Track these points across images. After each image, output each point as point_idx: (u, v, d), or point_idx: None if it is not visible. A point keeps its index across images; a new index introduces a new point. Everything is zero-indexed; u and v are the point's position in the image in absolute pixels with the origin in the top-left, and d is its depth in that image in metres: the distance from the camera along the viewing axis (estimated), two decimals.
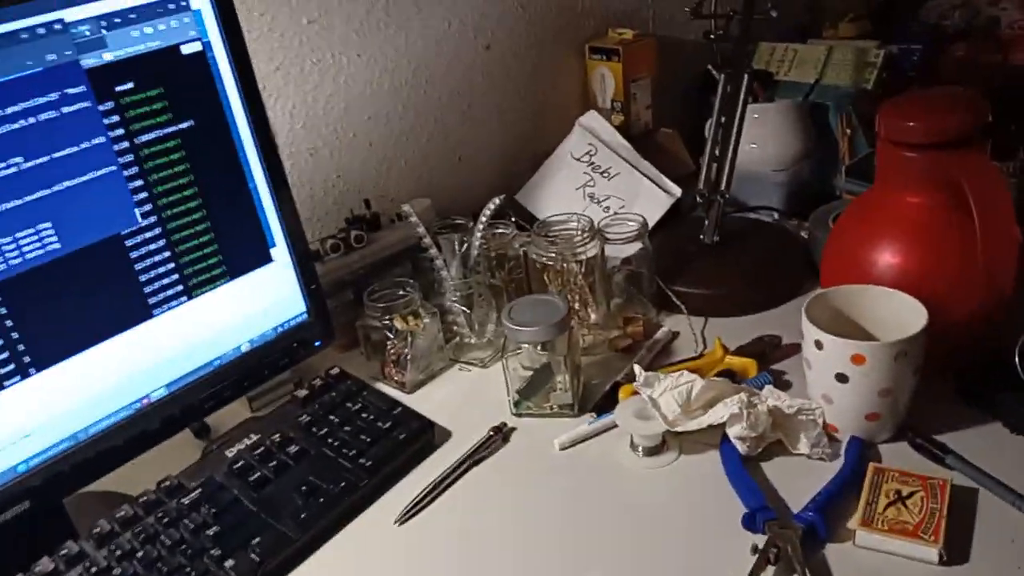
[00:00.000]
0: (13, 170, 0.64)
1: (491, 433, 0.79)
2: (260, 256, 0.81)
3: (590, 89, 1.22)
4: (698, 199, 0.99)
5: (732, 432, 0.70)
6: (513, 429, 0.81)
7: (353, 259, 0.97)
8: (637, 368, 0.75)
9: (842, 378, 0.69)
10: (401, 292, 0.91)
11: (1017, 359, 0.71)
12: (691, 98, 1.31)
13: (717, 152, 0.98)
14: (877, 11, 1.41)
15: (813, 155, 1.15)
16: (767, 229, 1.06)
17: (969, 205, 0.71)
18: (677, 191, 1.07)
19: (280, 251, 0.82)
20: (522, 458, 0.77)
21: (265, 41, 0.95)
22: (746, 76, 0.98)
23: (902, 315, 0.71)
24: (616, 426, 0.77)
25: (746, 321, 0.92)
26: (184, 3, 0.72)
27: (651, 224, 1.02)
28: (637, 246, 0.93)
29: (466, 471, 0.76)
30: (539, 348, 0.80)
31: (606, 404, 0.81)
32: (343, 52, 1.01)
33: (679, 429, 0.72)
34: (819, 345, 0.70)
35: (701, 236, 1.00)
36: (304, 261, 0.84)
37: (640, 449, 0.74)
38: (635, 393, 0.76)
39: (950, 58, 1.32)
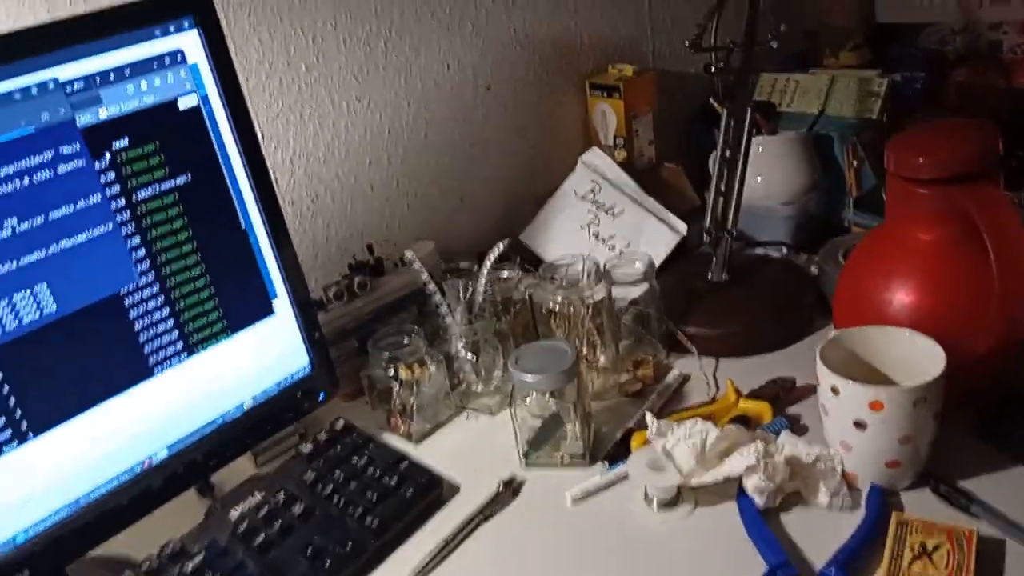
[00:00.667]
0: (7, 233, 0.63)
1: (500, 488, 0.77)
2: (261, 309, 0.79)
3: (592, 126, 1.21)
4: (705, 236, 0.98)
5: (749, 484, 0.68)
6: (523, 482, 0.79)
7: (357, 306, 0.95)
8: (649, 417, 0.74)
9: (860, 425, 0.67)
10: (406, 340, 0.89)
11: None
12: (694, 132, 1.30)
13: (723, 187, 0.97)
14: (876, 38, 1.41)
15: (820, 187, 1.13)
16: (776, 265, 1.05)
17: (983, 239, 0.69)
18: (683, 228, 1.06)
19: (282, 303, 0.81)
20: (533, 513, 0.75)
21: (264, 88, 0.94)
22: (749, 109, 0.97)
23: (920, 356, 0.69)
24: (628, 477, 0.75)
25: (758, 361, 0.90)
26: (180, 57, 0.71)
27: (658, 262, 1.01)
28: (644, 286, 0.91)
29: (476, 528, 0.74)
30: (548, 396, 0.78)
31: (618, 453, 0.79)
32: (343, 97, 1.01)
33: (695, 482, 0.69)
34: (835, 391, 0.68)
35: (709, 274, 0.98)
36: (306, 312, 0.83)
37: (655, 502, 0.72)
38: (648, 442, 0.74)
39: (953, 84, 1.31)
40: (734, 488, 0.71)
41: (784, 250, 1.08)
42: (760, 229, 1.11)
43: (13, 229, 0.63)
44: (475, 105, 1.12)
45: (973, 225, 0.69)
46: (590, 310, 0.88)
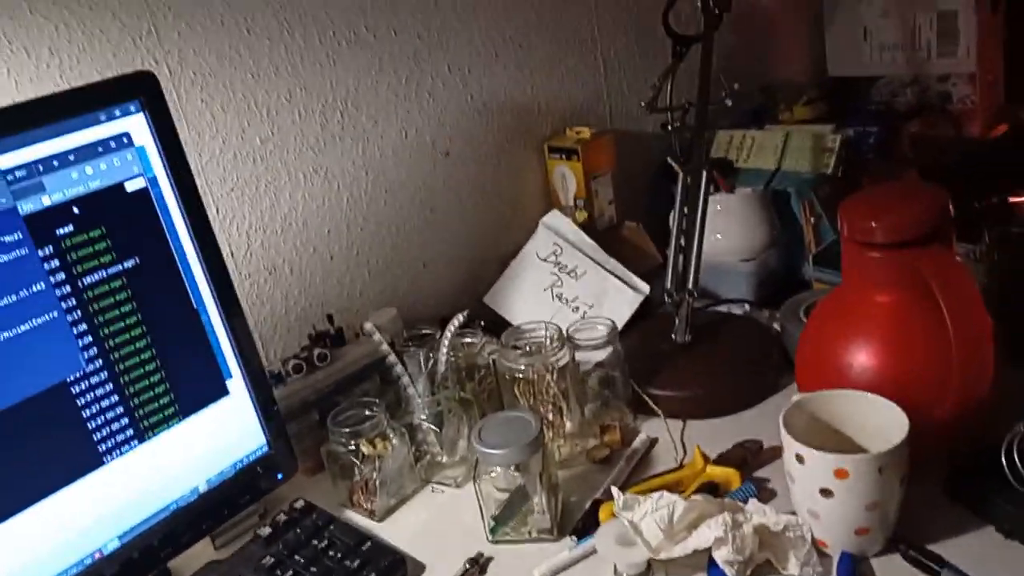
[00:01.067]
0: None
1: (467, 566, 0.75)
2: (215, 390, 0.78)
3: (552, 188, 1.22)
4: (666, 297, 0.98)
5: (719, 556, 0.67)
6: (490, 559, 0.77)
7: (317, 378, 0.94)
8: (615, 491, 0.72)
9: (827, 493, 0.66)
10: (367, 412, 0.87)
11: (1004, 460, 0.68)
12: (653, 190, 1.31)
13: (682, 247, 0.97)
14: (829, 91, 1.44)
15: (779, 243, 1.14)
16: (739, 323, 1.05)
17: (938, 299, 0.70)
18: (645, 288, 1.06)
19: (236, 383, 0.79)
20: None
21: (218, 163, 0.94)
22: (705, 169, 0.97)
23: (883, 421, 0.68)
24: (598, 552, 0.73)
25: (724, 423, 0.89)
26: (126, 140, 0.70)
27: (621, 324, 1.00)
28: (608, 349, 0.91)
29: None
30: (513, 469, 0.77)
31: (587, 524, 0.77)
32: (299, 168, 1.00)
33: (664, 556, 0.68)
34: (800, 459, 0.67)
35: (673, 335, 0.98)
36: (261, 391, 0.81)
37: None
38: (615, 515, 0.72)
39: (906, 136, 1.34)
40: (704, 560, 0.69)
41: (747, 307, 1.08)
42: (722, 285, 1.11)
43: None
44: (434, 171, 1.12)
45: (929, 287, 0.70)
46: (555, 375, 0.87)
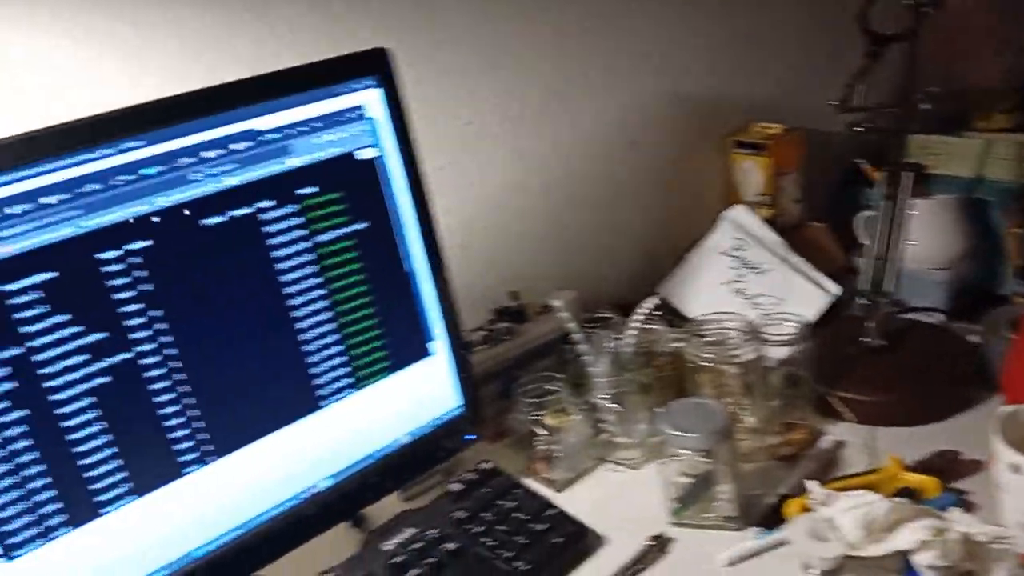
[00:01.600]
0: None
1: (650, 543, 0.77)
2: (421, 349, 0.82)
3: (734, 183, 1.21)
4: (858, 299, 0.96)
5: (921, 560, 0.65)
6: (671, 540, 0.78)
7: (501, 351, 0.98)
8: (812, 484, 0.72)
9: None
10: (550, 387, 0.90)
11: None
12: (838, 192, 1.28)
13: (880, 250, 0.95)
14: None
15: (976, 254, 1.09)
16: (933, 332, 1.01)
17: None
18: (835, 288, 1.04)
19: (439, 345, 0.84)
20: (684, 572, 0.74)
21: (425, 142, 0.98)
22: (908, 173, 0.95)
23: None
24: (786, 543, 0.73)
25: (916, 432, 0.87)
26: (361, 112, 0.75)
27: (812, 323, 0.99)
28: (796, 347, 0.90)
29: None
30: (700, 454, 0.78)
31: (772, 518, 0.77)
32: (497, 149, 1.04)
33: (861, 553, 0.67)
34: (1016, 469, 0.64)
35: (863, 338, 0.95)
36: (461, 355, 0.85)
37: (816, 571, 0.70)
38: (807, 509, 0.72)
39: None
40: (897, 563, 0.68)
41: (939, 316, 1.04)
42: (913, 293, 1.07)
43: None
44: (621, 160, 1.14)
45: None
46: (740, 368, 0.87)
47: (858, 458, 0.85)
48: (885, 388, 0.90)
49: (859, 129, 1.02)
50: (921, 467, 0.79)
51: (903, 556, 0.67)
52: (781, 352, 0.91)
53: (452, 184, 1.02)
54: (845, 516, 0.68)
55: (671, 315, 1.04)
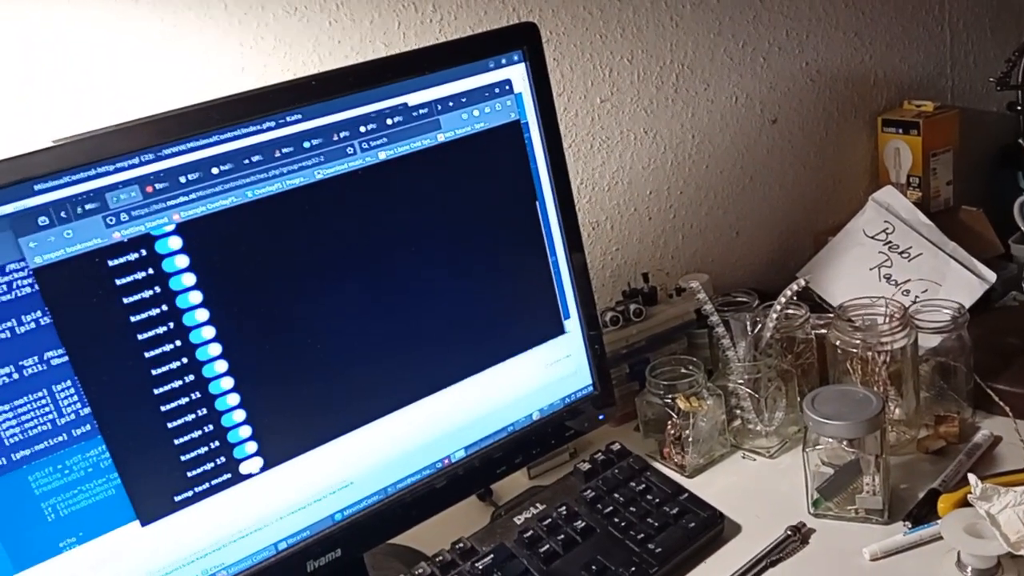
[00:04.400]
0: None
1: (789, 532, 0.74)
2: (556, 327, 0.82)
3: (882, 164, 1.15)
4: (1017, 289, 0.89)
5: None
6: (812, 530, 0.75)
7: (631, 332, 0.97)
8: (972, 478, 0.67)
9: None
10: (684, 370, 0.89)
11: None
12: (995, 174, 1.19)
13: None
14: None
15: None
16: None
17: None
18: (992, 276, 0.97)
19: (573, 323, 0.83)
20: (826, 564, 0.71)
21: (560, 120, 0.98)
22: None
23: None
24: (937, 540, 0.69)
25: None
26: (508, 87, 0.76)
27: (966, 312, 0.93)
28: (952, 336, 0.84)
29: (763, 572, 0.71)
30: (845, 444, 0.74)
31: (921, 513, 0.73)
32: (631, 129, 1.03)
33: (1022, 553, 0.63)
34: None
35: None
36: (594, 334, 0.85)
37: (969, 570, 0.66)
38: (962, 505, 0.68)
39: None
40: None
41: None
42: None
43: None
44: (759, 138, 1.10)
45: None
46: (888, 357, 0.83)
47: (1016, 455, 0.79)
48: None
49: (1020, 108, 0.95)
50: None
51: None
52: (933, 341, 0.86)
53: (584, 162, 1.01)
54: (1006, 512, 0.63)
55: (812, 301, 1.00)
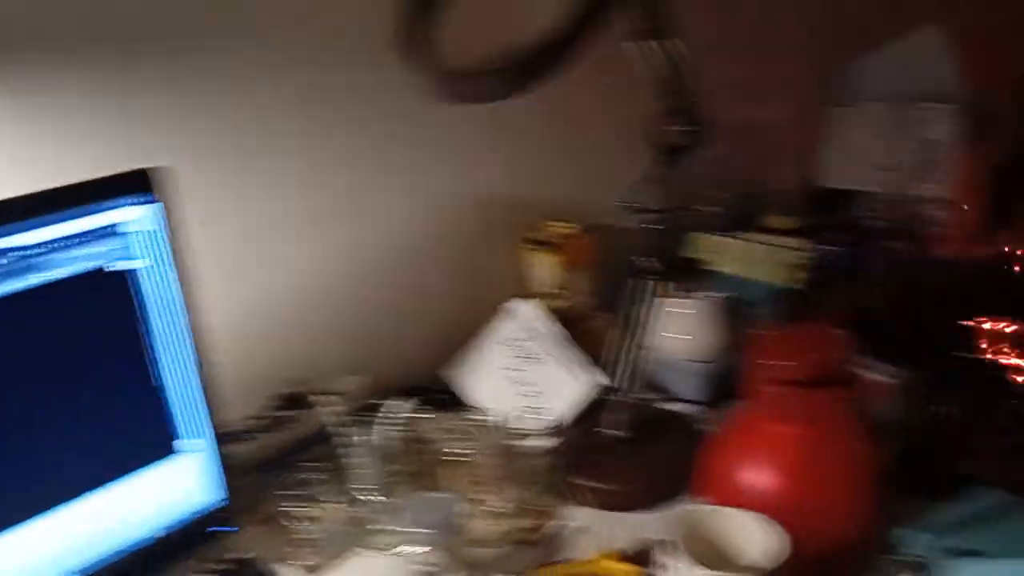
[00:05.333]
0: None
1: None
2: (165, 448, 0.86)
3: (527, 277, 1.30)
4: (608, 394, 1.05)
5: None
6: None
7: (273, 439, 1.03)
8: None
9: None
10: (316, 476, 0.96)
11: None
12: (629, 285, 1.38)
13: (628, 344, 1.04)
14: (811, 203, 1.51)
15: (736, 349, 1.20)
16: (682, 422, 1.11)
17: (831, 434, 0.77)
18: (600, 381, 1.12)
19: (195, 442, 0.88)
20: None
21: (207, 230, 1.02)
22: (658, 271, 1.05)
23: (765, 542, 0.74)
24: None
25: (639, 519, 0.95)
26: (117, 229, 0.80)
27: (572, 413, 1.08)
28: (550, 437, 0.98)
29: None
30: (430, 548, 0.84)
31: None
32: (286, 241, 1.10)
33: None
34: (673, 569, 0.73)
35: (608, 429, 1.04)
36: (220, 449, 0.90)
37: None
38: None
39: (877, 255, 1.39)
40: None
41: (692, 408, 1.14)
42: (681, 384, 1.18)
43: None
44: (415, 253, 1.22)
45: (822, 424, 0.79)
46: (493, 457, 0.95)
47: (593, 544, 0.92)
48: (622, 477, 0.98)
49: (647, 227, 1.13)
50: (628, 557, 0.87)
51: None
52: (538, 441, 0.99)
53: (234, 273, 1.06)
54: None
55: (451, 400, 1.11)
